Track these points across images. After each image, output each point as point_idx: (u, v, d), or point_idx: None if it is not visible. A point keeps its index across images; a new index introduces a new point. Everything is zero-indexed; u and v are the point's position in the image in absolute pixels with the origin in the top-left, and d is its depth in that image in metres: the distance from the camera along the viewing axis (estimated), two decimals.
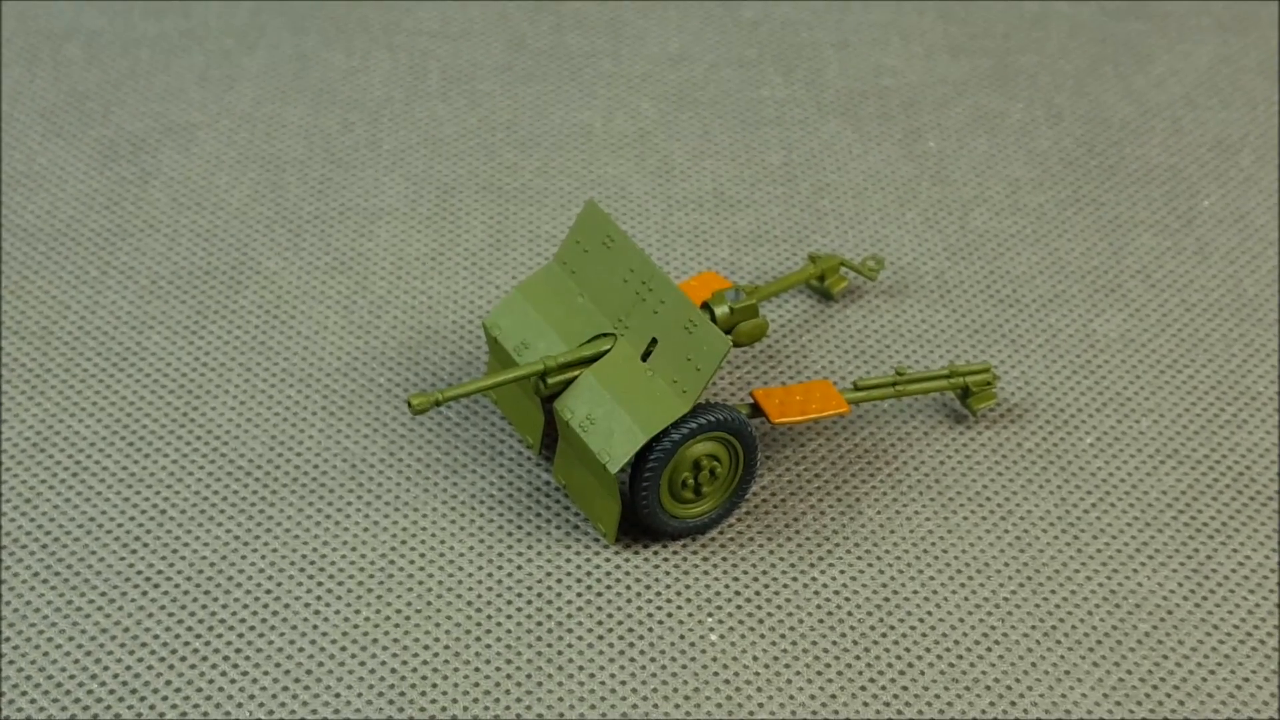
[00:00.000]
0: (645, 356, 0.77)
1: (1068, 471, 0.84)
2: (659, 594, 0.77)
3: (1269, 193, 1.04)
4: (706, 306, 0.81)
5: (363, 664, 0.73)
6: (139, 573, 0.77)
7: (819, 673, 0.73)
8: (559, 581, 0.77)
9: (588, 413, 0.76)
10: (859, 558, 0.79)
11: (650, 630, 0.75)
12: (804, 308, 0.93)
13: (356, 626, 0.74)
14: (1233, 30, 1.20)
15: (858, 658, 0.74)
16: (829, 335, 0.91)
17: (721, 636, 0.75)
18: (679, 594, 0.77)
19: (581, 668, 0.73)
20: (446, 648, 0.74)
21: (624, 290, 0.79)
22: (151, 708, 0.71)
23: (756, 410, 0.80)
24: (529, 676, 0.73)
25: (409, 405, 0.74)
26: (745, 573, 0.78)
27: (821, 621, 0.76)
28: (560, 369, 0.77)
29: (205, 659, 0.73)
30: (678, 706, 0.72)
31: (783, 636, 0.75)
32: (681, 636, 0.75)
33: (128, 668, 0.72)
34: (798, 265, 0.96)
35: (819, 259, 0.93)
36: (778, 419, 0.79)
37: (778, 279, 0.91)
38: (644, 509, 0.76)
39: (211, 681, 0.72)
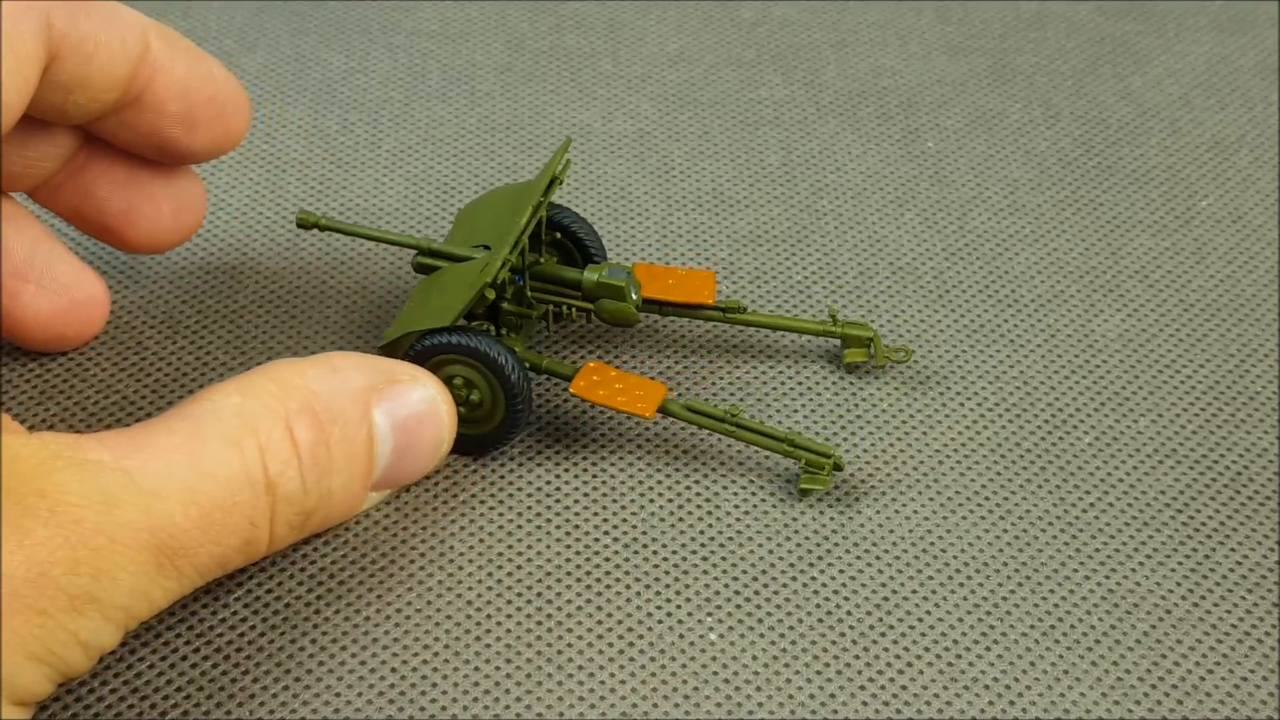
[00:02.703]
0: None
1: (1066, 471, 0.84)
2: (659, 594, 0.77)
3: (1266, 193, 1.04)
4: (584, 269, 0.86)
5: (363, 663, 0.73)
6: None
7: (818, 672, 0.73)
8: (559, 581, 0.77)
9: (412, 295, 0.84)
10: (858, 557, 0.79)
11: (650, 630, 0.75)
12: (802, 308, 0.94)
13: (356, 626, 0.75)
14: (1230, 31, 1.20)
15: (857, 657, 0.74)
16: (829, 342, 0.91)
17: (721, 636, 0.75)
18: (679, 594, 0.77)
19: (581, 667, 0.73)
20: (447, 647, 0.74)
21: (516, 214, 0.84)
22: (153, 706, 0.71)
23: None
24: (529, 676, 0.73)
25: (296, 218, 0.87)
26: (745, 572, 0.78)
27: (821, 621, 0.76)
28: (430, 254, 0.86)
29: (207, 658, 0.73)
30: (677, 706, 0.72)
31: (782, 636, 0.75)
32: (681, 636, 0.75)
33: (129, 666, 0.73)
34: (796, 265, 0.96)
35: (844, 326, 0.88)
36: (581, 392, 0.82)
37: (793, 319, 0.89)
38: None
39: (213, 681, 0.72)
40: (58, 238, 0.87)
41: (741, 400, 0.87)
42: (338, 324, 0.91)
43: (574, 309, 0.86)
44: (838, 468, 0.81)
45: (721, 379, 0.88)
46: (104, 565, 0.63)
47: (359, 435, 0.73)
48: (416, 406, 0.76)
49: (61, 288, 0.86)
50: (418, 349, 0.80)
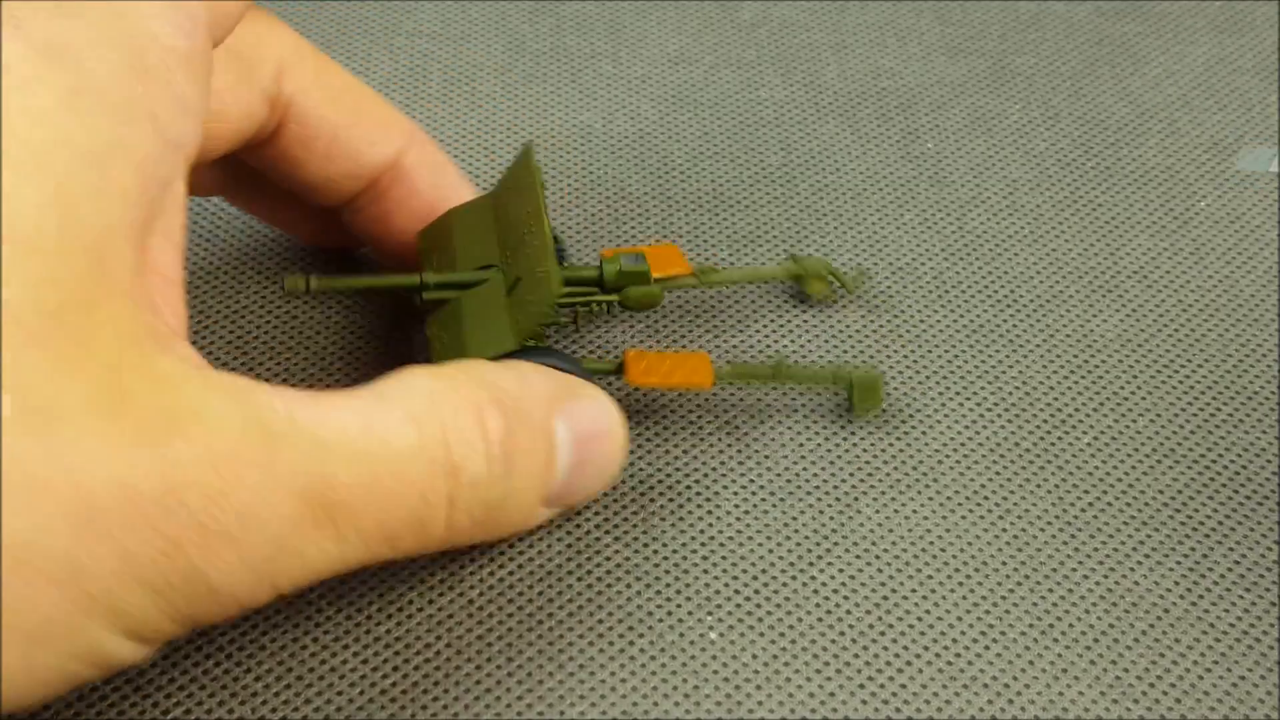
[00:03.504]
0: (511, 294, 0.80)
1: (1065, 471, 0.84)
2: (659, 593, 0.77)
3: (1266, 193, 1.04)
4: (603, 262, 0.84)
5: (366, 663, 0.73)
6: None
7: (818, 671, 0.74)
8: (559, 580, 0.77)
9: (439, 332, 0.81)
10: (857, 556, 0.79)
11: (650, 629, 0.75)
12: (802, 308, 0.94)
13: (358, 625, 0.75)
14: (1229, 31, 1.20)
15: (856, 656, 0.74)
16: (827, 336, 0.92)
17: (721, 635, 0.75)
18: (679, 593, 0.77)
19: (582, 666, 0.73)
20: (448, 646, 0.74)
21: (517, 230, 0.82)
22: (154, 705, 0.71)
23: (621, 370, 0.82)
24: (529, 676, 0.73)
25: (284, 285, 0.78)
26: (745, 571, 0.78)
27: (820, 620, 0.76)
28: (437, 286, 0.82)
29: (209, 657, 0.73)
30: (677, 705, 0.72)
31: (782, 635, 0.75)
32: (681, 635, 0.75)
33: (129, 666, 0.73)
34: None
35: (802, 261, 0.93)
36: (640, 380, 0.80)
37: (758, 269, 0.91)
38: None
39: (213, 680, 0.72)
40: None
41: (741, 400, 0.87)
42: (338, 324, 0.92)
43: (601, 304, 0.85)
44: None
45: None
46: (251, 503, 0.59)
47: (543, 440, 0.71)
48: (597, 422, 0.74)
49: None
50: None
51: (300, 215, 0.91)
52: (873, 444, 0.85)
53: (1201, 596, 0.78)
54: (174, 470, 0.57)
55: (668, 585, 0.77)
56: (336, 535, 0.63)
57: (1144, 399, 0.89)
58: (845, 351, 0.91)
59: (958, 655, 0.75)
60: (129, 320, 0.60)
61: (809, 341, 0.91)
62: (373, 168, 0.84)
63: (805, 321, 0.93)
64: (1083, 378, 0.90)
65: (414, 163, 0.85)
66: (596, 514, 0.80)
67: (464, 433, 0.67)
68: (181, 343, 0.63)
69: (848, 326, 0.92)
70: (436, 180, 0.86)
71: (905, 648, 0.75)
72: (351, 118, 0.82)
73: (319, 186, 0.84)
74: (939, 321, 0.93)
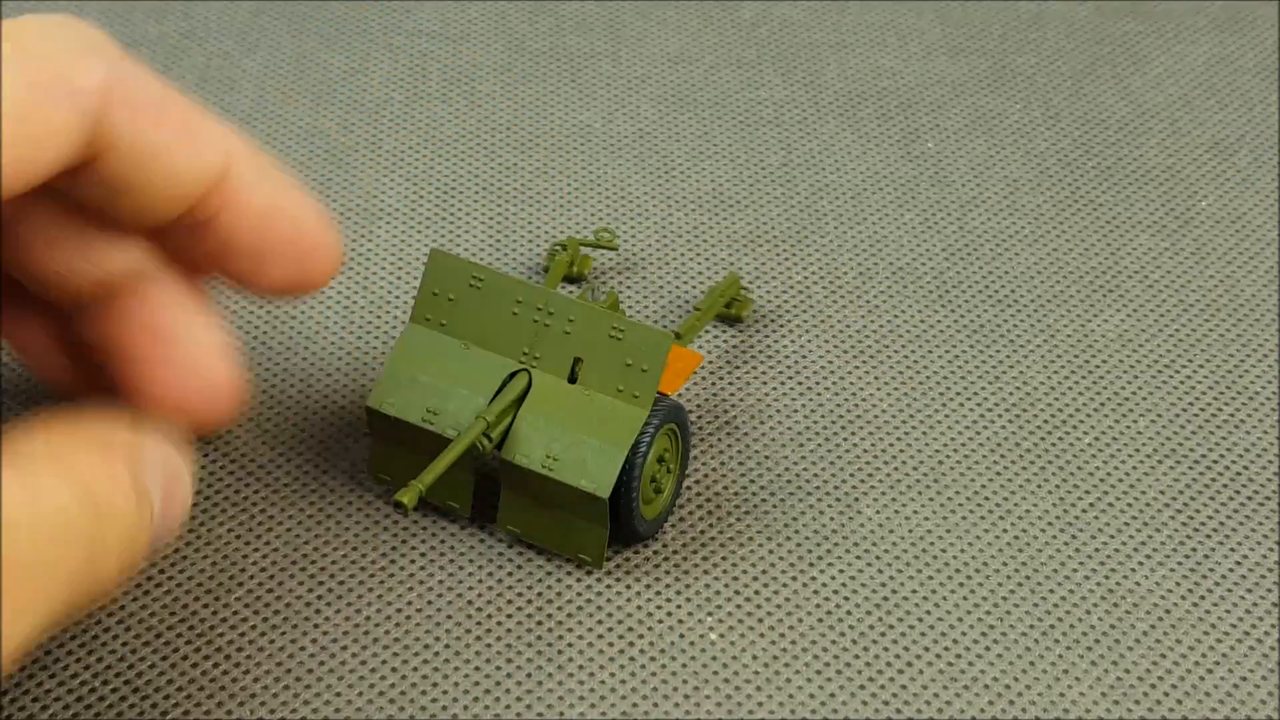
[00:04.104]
0: (572, 378, 0.76)
1: (1066, 471, 0.84)
2: (659, 594, 0.77)
3: (1266, 193, 1.04)
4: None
5: (363, 663, 0.73)
6: (140, 572, 0.77)
7: (818, 672, 0.73)
8: (559, 581, 0.77)
9: (545, 452, 0.74)
10: (858, 557, 0.79)
11: (650, 630, 0.75)
12: (802, 308, 0.94)
13: (357, 625, 0.75)
14: (1229, 30, 1.20)
15: (856, 657, 0.74)
16: (828, 336, 0.92)
17: (721, 636, 0.75)
18: (679, 594, 0.77)
19: (581, 667, 0.73)
20: (447, 646, 0.74)
21: (518, 323, 0.76)
22: (154, 706, 0.71)
23: None
24: (529, 676, 0.73)
25: (399, 506, 0.70)
26: (745, 572, 0.78)
27: (821, 621, 0.76)
28: (498, 419, 0.74)
29: (207, 658, 0.73)
30: (677, 705, 0.72)
31: (782, 636, 0.75)
32: (681, 636, 0.75)
33: (130, 666, 0.73)
34: (796, 265, 0.96)
35: (568, 244, 0.92)
36: (671, 391, 0.79)
37: (697, 311, 0.88)
38: (630, 521, 0.76)
39: (213, 680, 0.72)
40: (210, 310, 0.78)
41: (741, 400, 0.87)
42: (337, 324, 0.91)
43: None
44: None
45: (720, 380, 0.88)
46: None
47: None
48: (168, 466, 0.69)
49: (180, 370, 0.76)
50: (643, 451, 0.74)
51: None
52: (873, 444, 0.85)
53: (1202, 597, 0.78)
54: None
55: (668, 585, 0.77)
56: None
57: (1144, 399, 0.89)
58: (846, 352, 0.91)
59: (958, 656, 0.75)
60: None
61: (809, 343, 0.91)
62: (193, 183, 0.71)
63: (803, 324, 0.93)
64: (1083, 378, 0.90)
65: (241, 181, 0.73)
66: None
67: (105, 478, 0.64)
68: None
69: (848, 326, 0.92)
70: (275, 199, 0.74)
71: (906, 648, 0.75)
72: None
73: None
74: (940, 321, 0.93)
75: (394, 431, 0.77)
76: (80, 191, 0.70)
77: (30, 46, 0.65)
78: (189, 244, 0.74)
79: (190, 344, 0.76)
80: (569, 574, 0.77)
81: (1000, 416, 0.87)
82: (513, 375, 0.76)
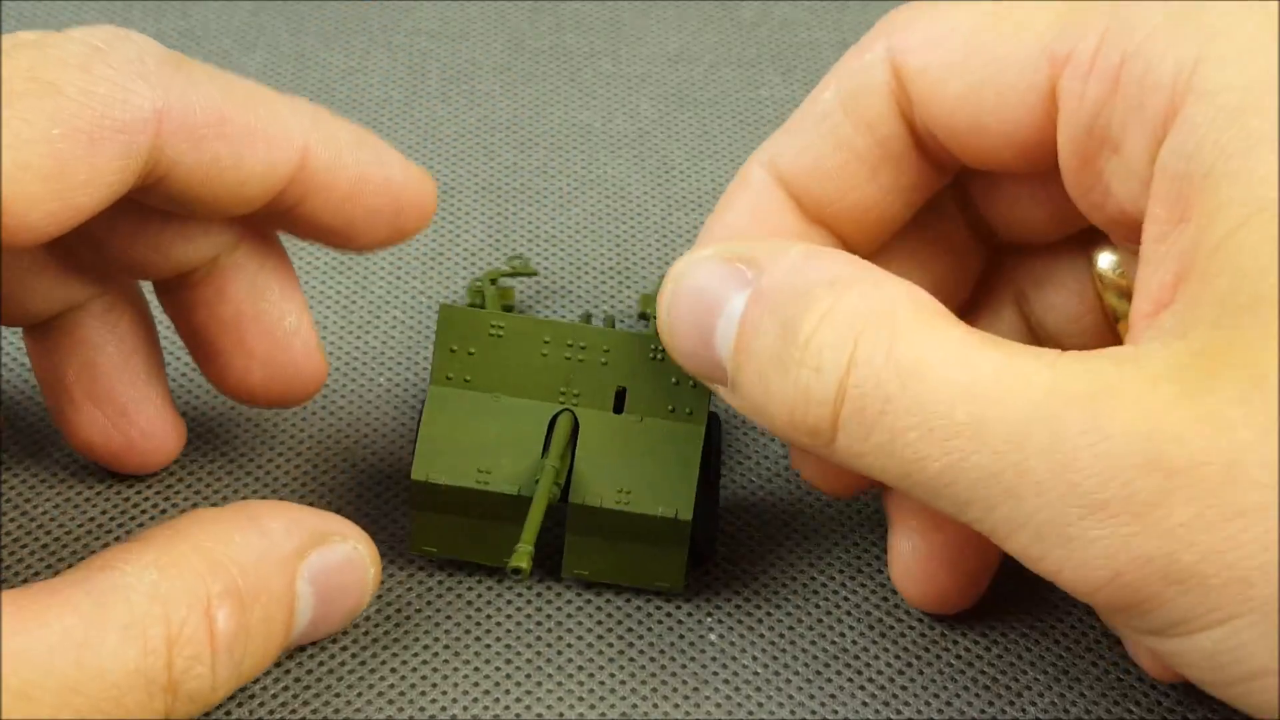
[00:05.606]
0: (618, 408, 0.74)
1: None
2: (659, 593, 0.77)
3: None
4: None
5: (363, 664, 0.73)
6: None
7: (818, 672, 0.73)
8: (558, 581, 0.77)
9: (617, 488, 0.73)
10: (858, 556, 0.79)
11: (650, 630, 0.75)
12: None
13: (357, 626, 0.75)
14: None
15: (856, 657, 0.74)
16: None
17: (721, 636, 0.75)
18: (679, 594, 0.77)
19: (581, 667, 0.73)
20: (446, 647, 0.74)
21: (549, 363, 0.74)
22: None
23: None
24: (529, 676, 0.73)
25: (517, 572, 0.68)
26: (745, 571, 0.78)
27: (821, 620, 0.76)
28: (563, 463, 0.73)
29: None
30: (677, 706, 0.72)
31: (782, 636, 0.75)
32: (681, 636, 0.75)
33: None
34: None
35: (485, 277, 0.90)
36: None
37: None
38: (713, 537, 0.76)
39: None
40: (157, 367, 0.79)
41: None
42: (337, 324, 0.91)
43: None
44: None
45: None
46: None
47: (281, 610, 0.65)
48: (344, 572, 0.69)
49: (122, 421, 0.77)
50: (714, 463, 0.76)
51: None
52: None
53: None
54: None
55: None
56: None
57: None
58: None
59: (959, 656, 0.74)
60: None
61: None
62: (265, 184, 0.71)
63: None
64: None
65: (321, 165, 0.73)
66: None
67: (189, 639, 0.61)
68: None
69: None
70: (361, 170, 0.74)
71: (906, 648, 0.75)
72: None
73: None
74: None
75: (442, 500, 0.74)
76: (149, 201, 0.68)
77: (71, 80, 0.61)
78: (278, 226, 0.74)
79: (276, 324, 0.76)
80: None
81: None
82: (555, 416, 0.74)
